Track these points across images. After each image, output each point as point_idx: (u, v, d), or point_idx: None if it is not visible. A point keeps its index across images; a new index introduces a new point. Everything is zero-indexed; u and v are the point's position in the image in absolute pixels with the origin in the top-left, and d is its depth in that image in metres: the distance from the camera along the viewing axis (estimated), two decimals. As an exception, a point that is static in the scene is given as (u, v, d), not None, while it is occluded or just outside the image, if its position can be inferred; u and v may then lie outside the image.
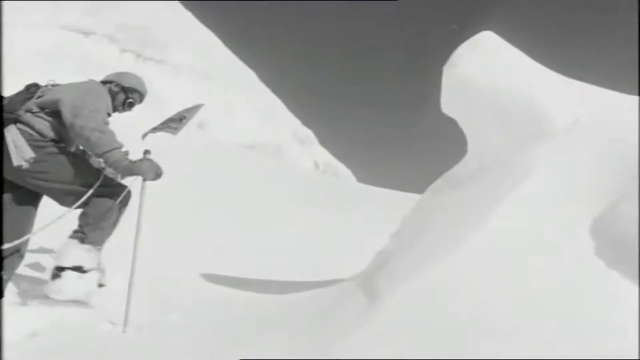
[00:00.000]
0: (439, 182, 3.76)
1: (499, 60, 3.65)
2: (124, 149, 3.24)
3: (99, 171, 3.36)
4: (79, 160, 3.36)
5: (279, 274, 4.75)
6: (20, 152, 3.15)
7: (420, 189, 3.33)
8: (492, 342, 1.97)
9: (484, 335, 2.01)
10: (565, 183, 2.66)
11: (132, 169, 3.25)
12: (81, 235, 3.22)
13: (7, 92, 3.35)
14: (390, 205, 7.02)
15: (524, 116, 3.26)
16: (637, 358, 1.86)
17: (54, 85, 3.43)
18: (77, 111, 3.19)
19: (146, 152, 3.41)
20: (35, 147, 3.19)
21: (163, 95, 18.64)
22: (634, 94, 3.41)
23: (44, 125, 3.27)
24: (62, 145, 3.32)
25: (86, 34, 20.07)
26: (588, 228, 2.44)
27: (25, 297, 3.11)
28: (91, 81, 3.53)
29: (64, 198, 3.28)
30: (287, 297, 3.25)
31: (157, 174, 3.31)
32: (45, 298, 3.12)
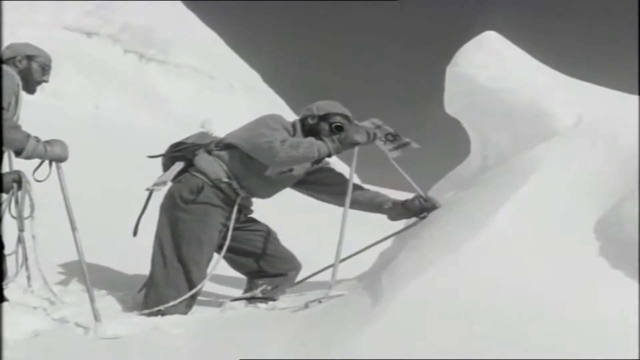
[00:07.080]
0: (442, 182, 3.77)
1: (502, 60, 3.66)
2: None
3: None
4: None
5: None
6: (162, 177, 3.26)
7: (424, 189, 3.34)
8: (495, 342, 1.97)
9: (488, 335, 2.01)
10: (568, 183, 2.67)
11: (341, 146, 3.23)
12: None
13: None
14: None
15: (527, 116, 3.27)
16: (637, 358, 1.86)
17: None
18: (252, 141, 3.21)
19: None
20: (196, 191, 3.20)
21: (166, 96, 18.62)
22: (634, 94, 3.41)
23: (215, 164, 3.27)
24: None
25: (89, 34, 20.03)
26: (590, 228, 2.44)
27: (26, 296, 3.10)
28: (265, 115, 3.44)
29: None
30: (289, 297, 3.24)
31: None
32: (46, 298, 3.12)
